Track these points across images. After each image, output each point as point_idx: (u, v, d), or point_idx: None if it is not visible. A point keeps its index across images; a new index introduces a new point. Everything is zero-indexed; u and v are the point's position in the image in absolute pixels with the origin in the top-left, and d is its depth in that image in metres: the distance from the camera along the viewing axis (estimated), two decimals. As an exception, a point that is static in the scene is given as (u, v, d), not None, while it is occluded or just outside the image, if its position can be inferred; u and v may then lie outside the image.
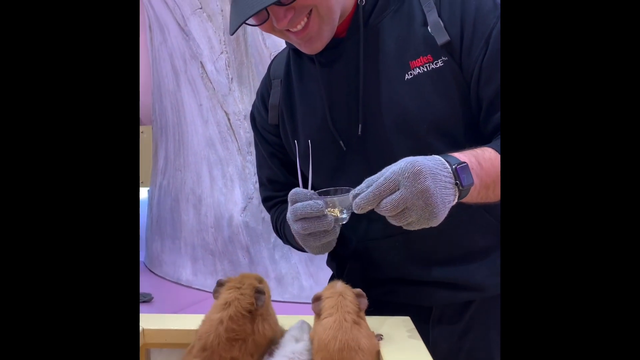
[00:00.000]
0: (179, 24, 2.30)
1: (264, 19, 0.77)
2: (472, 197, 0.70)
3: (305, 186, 0.79)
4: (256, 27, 0.86)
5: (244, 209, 2.25)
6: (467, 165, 0.68)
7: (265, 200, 1.05)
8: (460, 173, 0.67)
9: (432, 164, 0.67)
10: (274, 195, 1.03)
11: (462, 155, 0.70)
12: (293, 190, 0.75)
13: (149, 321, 0.75)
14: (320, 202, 0.72)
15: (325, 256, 0.96)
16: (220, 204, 2.30)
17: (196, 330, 0.74)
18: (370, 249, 0.90)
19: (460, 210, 0.81)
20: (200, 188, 2.39)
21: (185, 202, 2.45)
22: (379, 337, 0.72)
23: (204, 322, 0.67)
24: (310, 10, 0.76)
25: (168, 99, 2.54)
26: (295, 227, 0.75)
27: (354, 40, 0.82)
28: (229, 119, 2.26)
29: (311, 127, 0.88)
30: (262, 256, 2.21)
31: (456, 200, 0.67)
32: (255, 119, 1.01)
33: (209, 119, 2.32)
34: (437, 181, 0.66)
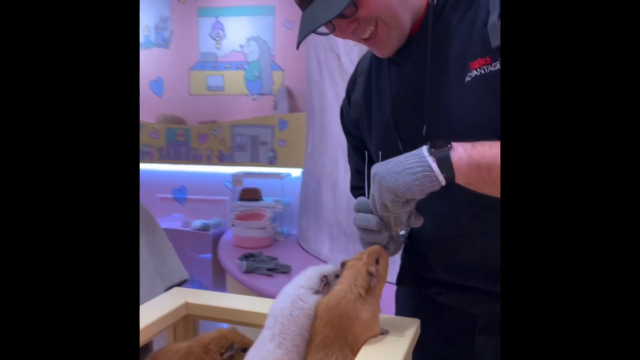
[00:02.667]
0: (319, 20, 2.48)
1: (331, 30, 0.86)
2: (463, 173, 0.72)
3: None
4: None
5: (372, 194, 2.37)
6: (444, 140, 0.71)
7: (352, 189, 1.17)
8: (434, 141, 0.71)
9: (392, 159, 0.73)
10: (359, 185, 1.15)
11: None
12: (358, 199, 0.86)
13: (194, 296, 0.93)
14: (375, 218, 0.80)
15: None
16: (352, 189, 2.46)
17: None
18: (424, 249, 0.96)
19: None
20: (336, 172, 2.56)
21: (325, 185, 2.66)
22: (385, 331, 0.79)
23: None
24: (377, 19, 0.83)
25: (314, 88, 2.75)
26: (358, 233, 0.86)
27: (424, 39, 0.86)
28: (360, 109, 2.38)
29: (380, 126, 0.96)
30: (389, 240, 2.31)
31: (433, 165, 0.71)
32: (342, 114, 1.12)
33: (344, 108, 2.47)
34: (390, 163, 0.72)
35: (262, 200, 3.20)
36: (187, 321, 0.92)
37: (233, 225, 3.00)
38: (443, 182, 0.72)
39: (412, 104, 0.88)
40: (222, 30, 3.40)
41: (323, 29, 0.87)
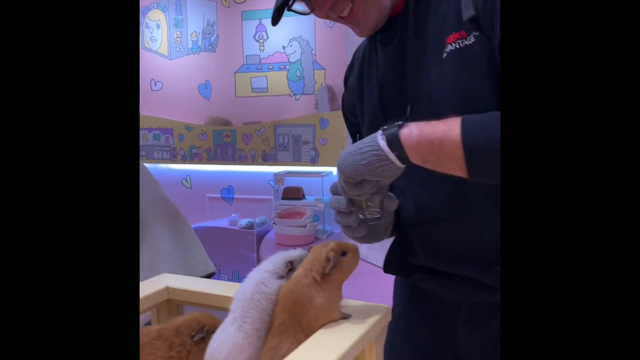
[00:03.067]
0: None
1: (311, 9, 0.86)
2: (414, 149, 0.70)
3: None
4: None
5: (404, 190, 2.32)
6: (399, 120, 0.69)
7: None
8: (388, 128, 0.70)
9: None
10: None
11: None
12: (335, 182, 0.86)
13: (176, 281, 0.95)
14: (345, 199, 0.81)
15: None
16: (385, 185, 2.41)
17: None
18: (409, 234, 0.94)
19: (486, 205, 0.79)
20: (372, 169, 2.54)
21: (362, 182, 2.64)
22: (347, 316, 0.78)
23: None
24: None
25: (352, 85, 2.75)
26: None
27: (406, 18, 0.84)
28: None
29: (370, 110, 0.96)
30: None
31: (381, 142, 0.70)
32: (342, 102, 1.12)
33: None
34: (350, 148, 0.71)
35: (304, 198, 3.22)
36: (169, 305, 0.94)
37: (275, 223, 3.04)
38: (397, 162, 0.70)
39: (397, 85, 0.86)
40: (265, 32, 3.46)
41: (303, 9, 0.86)
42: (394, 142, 0.69)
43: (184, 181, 3.80)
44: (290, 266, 0.80)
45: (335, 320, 0.75)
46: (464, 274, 0.83)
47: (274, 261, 0.81)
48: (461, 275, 0.84)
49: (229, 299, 0.89)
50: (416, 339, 0.95)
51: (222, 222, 3.51)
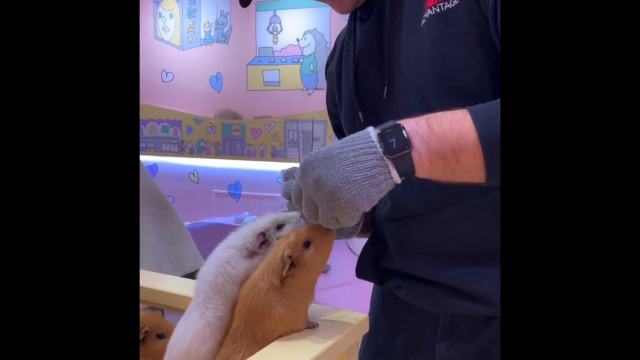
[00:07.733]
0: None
1: None
2: (424, 169, 0.56)
3: None
4: None
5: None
6: (398, 126, 0.56)
7: None
8: (388, 137, 0.56)
9: (334, 145, 0.59)
10: None
11: (410, 119, 0.58)
12: (290, 169, 0.75)
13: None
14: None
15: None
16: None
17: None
18: (382, 232, 0.83)
19: (468, 195, 0.68)
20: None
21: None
22: (314, 324, 0.65)
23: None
24: None
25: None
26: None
27: None
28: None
29: (346, 94, 0.86)
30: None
31: (393, 172, 0.56)
32: (327, 94, 1.02)
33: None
34: (335, 161, 0.57)
35: (313, 197, 3.10)
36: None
37: (280, 221, 2.92)
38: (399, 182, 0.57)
39: (374, 64, 0.76)
40: (279, 23, 3.35)
41: None
42: (406, 170, 0.55)
43: (191, 175, 3.71)
44: (263, 238, 0.66)
45: (298, 331, 0.62)
46: (443, 280, 0.71)
47: (242, 234, 0.66)
48: (439, 282, 0.71)
49: (185, 300, 0.77)
50: (389, 355, 0.82)
51: (229, 220, 3.41)
